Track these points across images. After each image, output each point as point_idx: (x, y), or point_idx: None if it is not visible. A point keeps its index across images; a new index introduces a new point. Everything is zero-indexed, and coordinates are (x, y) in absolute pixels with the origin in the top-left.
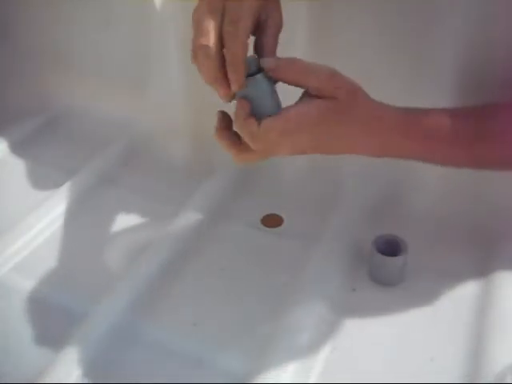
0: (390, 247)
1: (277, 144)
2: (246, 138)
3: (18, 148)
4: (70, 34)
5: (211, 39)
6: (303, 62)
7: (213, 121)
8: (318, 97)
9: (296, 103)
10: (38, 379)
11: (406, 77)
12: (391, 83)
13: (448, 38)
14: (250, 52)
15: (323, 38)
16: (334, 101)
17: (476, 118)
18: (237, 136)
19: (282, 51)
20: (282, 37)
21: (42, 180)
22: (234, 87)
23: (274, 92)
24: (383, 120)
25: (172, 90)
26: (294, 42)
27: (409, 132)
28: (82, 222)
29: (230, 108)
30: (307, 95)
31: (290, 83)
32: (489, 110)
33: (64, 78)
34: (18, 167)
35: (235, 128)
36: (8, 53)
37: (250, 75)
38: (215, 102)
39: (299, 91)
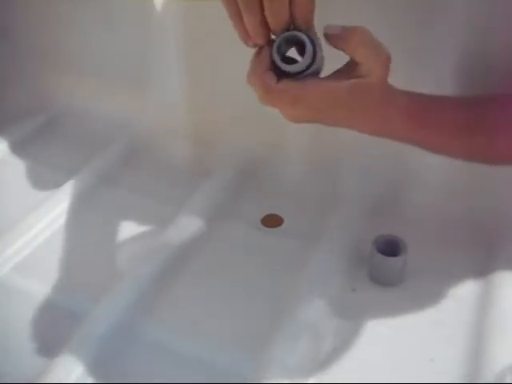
0: (390, 247)
1: (284, 107)
2: (259, 90)
3: (18, 148)
4: (70, 33)
5: None
6: (367, 34)
7: (213, 121)
8: (356, 76)
9: (328, 77)
10: (38, 379)
11: (406, 74)
12: (390, 80)
13: (448, 33)
14: None
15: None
16: (369, 84)
17: (478, 108)
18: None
19: None
20: None
21: (42, 180)
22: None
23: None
24: (392, 106)
25: (172, 89)
26: None
27: (413, 119)
28: (82, 222)
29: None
30: (345, 70)
31: (347, 52)
32: (491, 101)
33: (64, 77)
34: (17, 167)
35: (249, 78)
36: (8, 53)
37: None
38: (215, 102)
39: None
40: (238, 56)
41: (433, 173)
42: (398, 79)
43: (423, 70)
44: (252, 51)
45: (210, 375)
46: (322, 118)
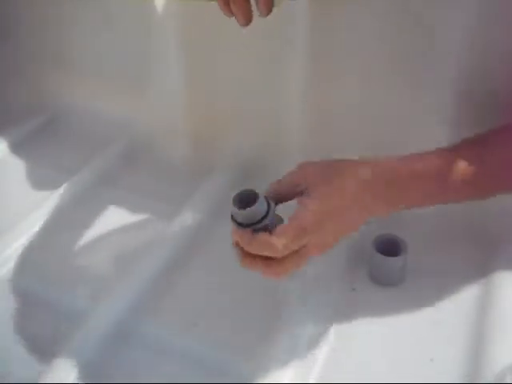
0: (390, 247)
1: (296, 240)
2: (267, 249)
3: (18, 148)
4: (70, 33)
5: None
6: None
7: (213, 121)
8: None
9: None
10: (38, 379)
11: (406, 76)
12: (391, 83)
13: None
14: None
15: (323, 38)
16: (318, 188)
17: (478, 150)
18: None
19: (282, 51)
20: (281, 37)
21: (42, 180)
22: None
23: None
24: (393, 173)
25: (172, 90)
26: (294, 42)
27: (421, 180)
28: (82, 222)
29: None
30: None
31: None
32: (489, 138)
33: (64, 77)
34: (17, 167)
35: (252, 250)
36: (8, 53)
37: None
38: (215, 102)
39: None
40: (238, 56)
41: None
42: (397, 85)
43: (423, 75)
44: (251, 49)
45: (209, 375)
46: (341, 222)
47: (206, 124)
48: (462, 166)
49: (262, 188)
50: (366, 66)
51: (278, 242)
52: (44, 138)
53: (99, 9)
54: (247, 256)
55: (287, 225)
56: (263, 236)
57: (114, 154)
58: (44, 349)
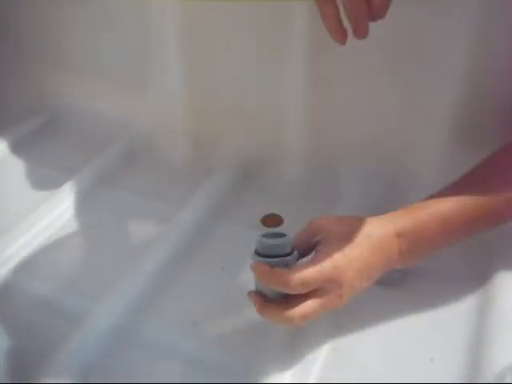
0: None
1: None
2: (284, 285)
3: (17, 148)
4: (70, 34)
5: None
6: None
7: (213, 121)
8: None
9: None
10: (38, 379)
11: (406, 76)
12: (391, 83)
13: (450, 35)
14: None
15: (323, 38)
16: (334, 237)
17: (480, 185)
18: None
19: (282, 51)
20: (281, 37)
21: (42, 180)
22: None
23: None
24: (389, 243)
25: (172, 90)
26: (294, 42)
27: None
28: (82, 222)
29: None
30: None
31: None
32: (489, 168)
33: (64, 77)
34: (17, 167)
35: (269, 282)
36: (8, 53)
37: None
38: (215, 101)
39: None
40: (238, 56)
41: (433, 173)
42: (397, 87)
43: (422, 82)
44: (251, 49)
45: (210, 375)
46: (358, 270)
47: (206, 124)
48: (467, 207)
49: (261, 187)
50: (366, 66)
51: (294, 277)
52: (44, 138)
53: (99, 9)
54: (265, 303)
55: (306, 263)
56: (281, 270)
57: (114, 154)
58: (44, 349)
